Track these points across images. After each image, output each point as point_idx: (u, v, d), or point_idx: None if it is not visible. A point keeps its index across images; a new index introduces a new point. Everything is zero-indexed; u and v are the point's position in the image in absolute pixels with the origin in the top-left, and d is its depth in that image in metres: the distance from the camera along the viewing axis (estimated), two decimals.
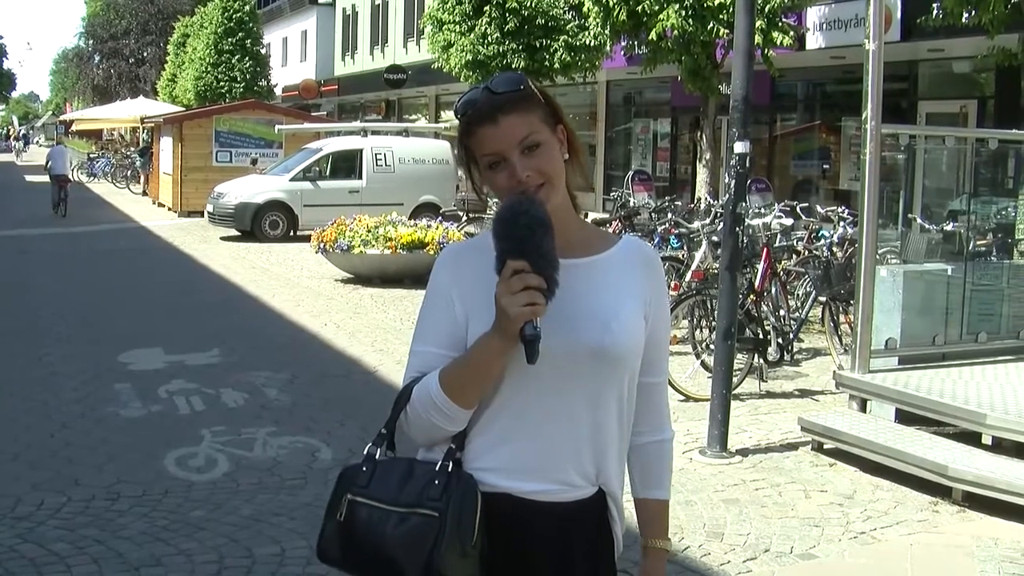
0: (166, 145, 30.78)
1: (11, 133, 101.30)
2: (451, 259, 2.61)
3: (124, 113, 47.42)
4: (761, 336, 10.23)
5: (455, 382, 2.41)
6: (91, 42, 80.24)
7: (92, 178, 46.10)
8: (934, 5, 15.19)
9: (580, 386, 2.47)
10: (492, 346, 2.36)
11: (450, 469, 2.45)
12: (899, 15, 19.56)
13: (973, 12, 14.08)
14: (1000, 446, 7.44)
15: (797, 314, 11.68)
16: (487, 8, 25.90)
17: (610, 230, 14.47)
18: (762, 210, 15.16)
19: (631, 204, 19.90)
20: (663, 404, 2.76)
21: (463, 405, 2.42)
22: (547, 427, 2.47)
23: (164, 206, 31.22)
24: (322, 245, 17.12)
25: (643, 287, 2.60)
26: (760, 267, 10.83)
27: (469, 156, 2.53)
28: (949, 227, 11.29)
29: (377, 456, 2.55)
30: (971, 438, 7.62)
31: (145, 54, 75.43)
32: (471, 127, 2.47)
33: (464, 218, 20.38)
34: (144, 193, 37.33)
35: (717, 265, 9.71)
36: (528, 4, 25.46)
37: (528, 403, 2.46)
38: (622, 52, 22.92)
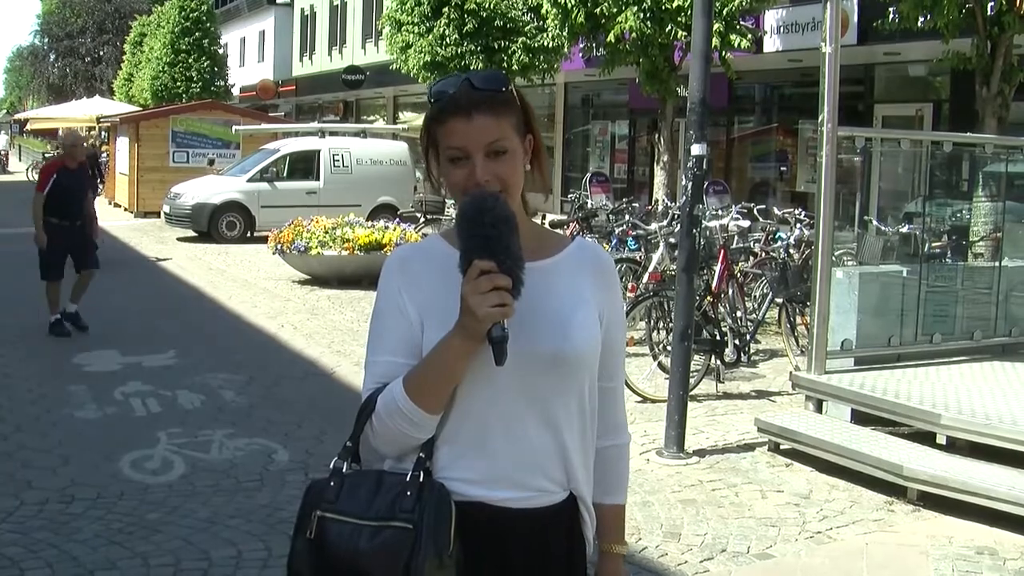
0: (122, 145, 30.55)
1: None
2: (398, 264, 2.56)
3: (80, 112, 46.99)
4: (718, 337, 10.27)
5: (420, 387, 2.36)
6: (46, 40, 79.70)
7: None
8: (890, 9, 15.29)
9: (540, 391, 2.44)
10: (457, 347, 2.31)
11: (421, 479, 2.40)
12: (855, 19, 19.70)
13: (928, 16, 14.20)
14: (954, 446, 7.51)
15: (754, 315, 11.74)
16: (446, 9, 25.85)
17: (567, 232, 14.50)
18: (719, 212, 15.21)
19: (589, 206, 19.90)
20: (620, 408, 2.74)
21: (429, 410, 2.37)
22: (512, 433, 2.44)
23: (120, 206, 30.99)
24: (279, 246, 17.06)
25: (595, 290, 2.57)
26: (717, 269, 10.88)
27: (431, 142, 2.50)
28: (904, 229, 11.37)
29: (344, 470, 2.48)
30: (926, 438, 7.69)
31: (101, 53, 74.95)
32: (443, 116, 2.43)
33: (422, 219, 20.34)
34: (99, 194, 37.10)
35: (674, 267, 9.74)
36: (487, 6, 25.43)
37: (491, 410, 2.42)
38: (580, 54, 22.98)
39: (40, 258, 12.47)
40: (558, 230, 13.97)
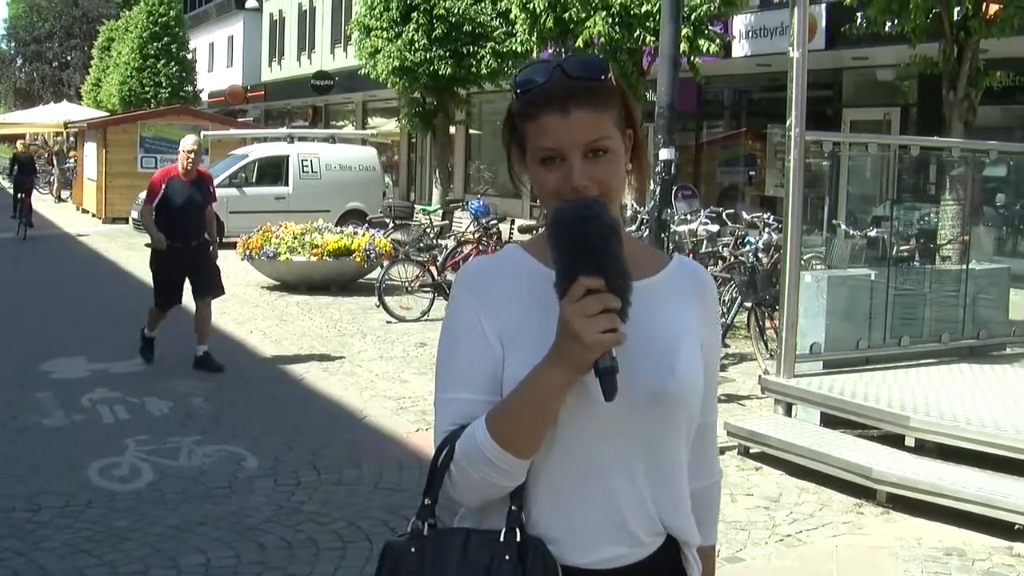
0: (90, 151, 30.39)
1: None
2: (474, 281, 2.19)
3: (47, 118, 46.75)
4: None
5: (508, 428, 2.00)
6: (13, 45, 79.18)
7: None
8: (858, 14, 15.37)
9: (639, 431, 2.10)
10: (554, 380, 1.96)
11: (518, 538, 2.07)
12: (823, 24, 19.80)
13: (896, 21, 14.28)
14: (923, 448, 7.54)
15: (723, 320, 11.74)
16: (414, 15, 25.86)
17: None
18: (688, 216, 15.24)
19: None
20: (712, 445, 2.39)
21: (520, 455, 2.01)
22: (609, 480, 2.09)
23: (88, 212, 30.84)
24: (248, 252, 16.97)
25: (698, 319, 2.23)
26: None
27: (516, 138, 2.15)
28: (873, 233, 11.41)
29: (424, 532, 2.14)
30: (895, 440, 7.72)
31: (69, 58, 74.60)
32: (532, 110, 2.07)
33: (391, 225, 20.32)
34: (58, 199, 37.26)
35: None
36: (455, 11, 25.45)
37: (584, 452, 2.08)
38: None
39: (154, 282, 11.32)
40: (526, 236, 13.96)
